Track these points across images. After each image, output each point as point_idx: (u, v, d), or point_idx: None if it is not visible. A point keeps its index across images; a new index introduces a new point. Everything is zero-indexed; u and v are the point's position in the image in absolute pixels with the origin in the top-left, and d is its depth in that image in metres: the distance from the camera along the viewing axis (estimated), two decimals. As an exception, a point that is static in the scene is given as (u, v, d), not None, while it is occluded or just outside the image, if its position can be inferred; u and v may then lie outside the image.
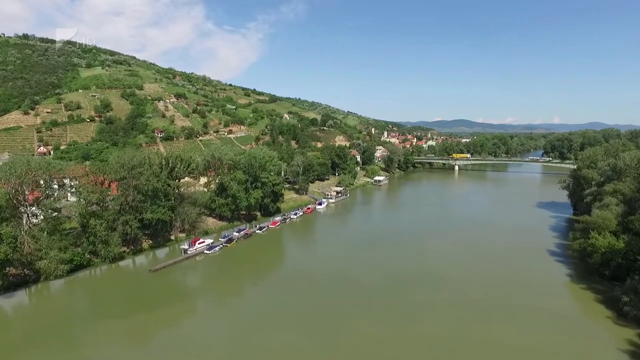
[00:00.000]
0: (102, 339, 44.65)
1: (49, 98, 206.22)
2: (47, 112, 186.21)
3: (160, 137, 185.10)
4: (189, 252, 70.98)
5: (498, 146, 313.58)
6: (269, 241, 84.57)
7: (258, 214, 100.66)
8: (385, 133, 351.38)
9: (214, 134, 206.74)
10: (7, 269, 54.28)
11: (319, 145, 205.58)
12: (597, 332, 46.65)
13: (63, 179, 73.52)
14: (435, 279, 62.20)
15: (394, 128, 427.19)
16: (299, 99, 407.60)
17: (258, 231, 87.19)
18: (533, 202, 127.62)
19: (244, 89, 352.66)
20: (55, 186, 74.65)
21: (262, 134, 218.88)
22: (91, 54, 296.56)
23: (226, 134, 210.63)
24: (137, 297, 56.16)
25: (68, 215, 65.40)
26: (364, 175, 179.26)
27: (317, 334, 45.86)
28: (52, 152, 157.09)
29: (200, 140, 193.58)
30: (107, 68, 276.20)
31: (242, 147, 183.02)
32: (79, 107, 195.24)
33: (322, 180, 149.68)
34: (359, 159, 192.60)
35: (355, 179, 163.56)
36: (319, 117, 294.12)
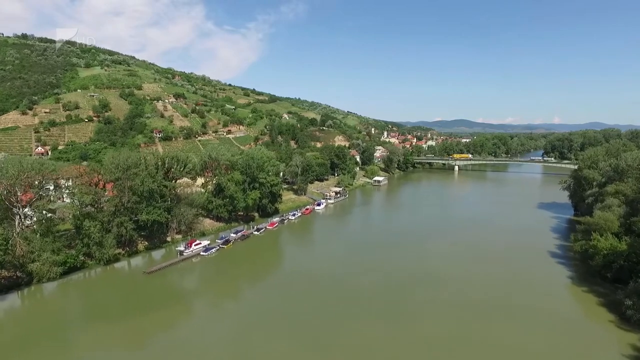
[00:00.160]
0: (96, 342, 43.87)
1: (47, 98, 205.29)
2: (45, 112, 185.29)
3: (159, 137, 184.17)
4: (184, 253, 70.04)
5: (498, 146, 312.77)
6: (267, 243, 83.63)
7: (256, 214, 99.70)
8: (385, 133, 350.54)
9: (213, 134, 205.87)
10: (-1, 271, 53.43)
11: (319, 145, 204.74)
12: (600, 335, 45.75)
13: (58, 180, 72.63)
14: (435, 280, 61.45)
15: (394, 128, 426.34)
16: (299, 99, 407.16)
17: (255, 232, 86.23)
18: (533, 202, 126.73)
19: (243, 89, 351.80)
20: (51, 187, 74.03)
21: (261, 134, 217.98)
22: (90, 54, 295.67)
23: (225, 134, 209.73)
24: (131, 299, 55.20)
25: (62, 217, 64.34)
26: (364, 176, 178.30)
27: (315, 336, 45.23)
28: (49, 153, 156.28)
29: (199, 141, 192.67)
30: (106, 68, 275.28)
31: (241, 147, 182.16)
32: (77, 107, 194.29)
33: (321, 180, 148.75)
34: (358, 159, 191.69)
35: (354, 179, 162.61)
36: (318, 117, 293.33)
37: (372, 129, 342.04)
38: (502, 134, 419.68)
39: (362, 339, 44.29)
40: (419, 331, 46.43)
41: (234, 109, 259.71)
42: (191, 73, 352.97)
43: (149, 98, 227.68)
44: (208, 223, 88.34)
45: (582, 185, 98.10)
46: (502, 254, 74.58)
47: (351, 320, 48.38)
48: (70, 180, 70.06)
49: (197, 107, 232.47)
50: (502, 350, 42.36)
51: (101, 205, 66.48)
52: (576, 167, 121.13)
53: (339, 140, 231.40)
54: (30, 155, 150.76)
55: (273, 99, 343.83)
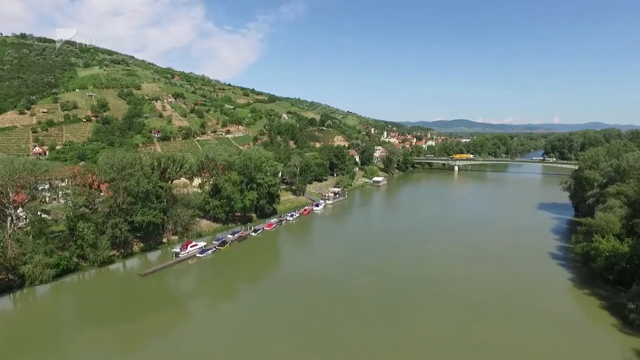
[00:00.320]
0: (90, 345, 43.22)
1: (45, 98, 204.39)
2: (43, 112, 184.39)
3: (157, 137, 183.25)
4: (180, 255, 69.07)
5: (498, 146, 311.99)
6: (264, 244, 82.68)
7: (254, 215, 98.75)
8: (385, 133, 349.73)
9: (212, 134, 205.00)
10: (-10, 273, 52.48)
11: (318, 145, 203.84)
12: (602, 339, 44.84)
13: (52, 181, 71.73)
14: (434, 281, 60.78)
15: (394, 128, 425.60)
16: (298, 99, 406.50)
17: (253, 233, 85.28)
18: (534, 203, 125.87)
19: (242, 88, 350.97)
20: (47, 187, 73.14)
21: (260, 134, 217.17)
22: (89, 54, 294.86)
23: (224, 134, 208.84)
24: (126, 302, 54.23)
25: (55, 218, 63.38)
26: (363, 176, 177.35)
27: (314, 337, 44.66)
28: (47, 153, 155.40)
29: (198, 141, 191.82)
30: (104, 68, 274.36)
31: (240, 147, 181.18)
32: (75, 107, 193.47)
33: (320, 181, 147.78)
34: (357, 160, 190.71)
35: (353, 179, 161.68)
36: (317, 117, 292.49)
37: (372, 129, 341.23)
38: (502, 134, 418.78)
39: (361, 340, 43.81)
40: (419, 332, 46.06)
41: (233, 109, 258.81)
42: (190, 73, 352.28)
43: (147, 98, 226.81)
44: (205, 224, 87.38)
45: (583, 185, 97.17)
46: (503, 255, 73.76)
47: (350, 322, 47.84)
48: (64, 181, 69.03)
49: (196, 107, 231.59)
50: (502, 351, 41.93)
51: (95, 206, 65.50)
52: (576, 167, 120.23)
53: (339, 141, 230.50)
54: (28, 155, 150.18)
55: (272, 98, 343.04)
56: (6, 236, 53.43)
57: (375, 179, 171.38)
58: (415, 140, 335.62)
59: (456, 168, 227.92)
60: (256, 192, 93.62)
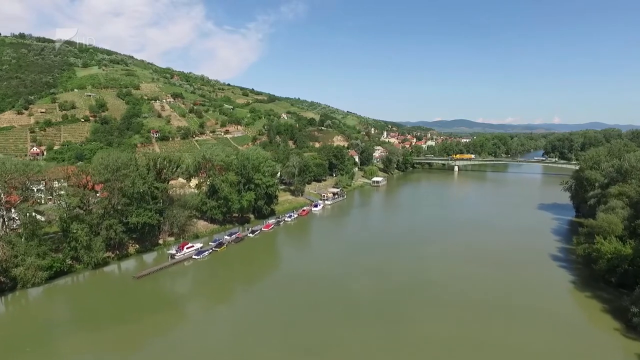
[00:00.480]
0: (83, 349, 42.53)
1: (43, 98, 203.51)
2: (41, 112, 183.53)
3: (156, 138, 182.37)
4: (176, 257, 68.12)
5: (498, 146, 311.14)
6: (261, 245, 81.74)
7: (251, 216, 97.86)
8: (385, 133, 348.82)
9: (211, 134, 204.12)
10: (-19, 276, 51.55)
11: (317, 145, 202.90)
12: (604, 344, 43.90)
13: (49, 181, 70.78)
14: (434, 283, 59.99)
15: (394, 128, 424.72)
16: (298, 99, 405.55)
17: (250, 235, 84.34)
18: (534, 203, 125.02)
19: (242, 88, 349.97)
20: (42, 187, 72.22)
21: (259, 134, 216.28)
22: (88, 54, 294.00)
23: (223, 134, 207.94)
24: (120, 305, 53.19)
25: (49, 219, 62.43)
26: (362, 176, 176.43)
27: (312, 340, 44.02)
28: (45, 153, 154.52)
29: (197, 141, 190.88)
30: (103, 68, 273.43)
31: (239, 147, 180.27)
32: (73, 107, 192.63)
33: (319, 181, 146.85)
34: (357, 160, 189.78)
35: (352, 180, 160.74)
36: (317, 117, 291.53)
37: (372, 129, 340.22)
38: (502, 134, 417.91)
39: (360, 342, 43.30)
40: (419, 333, 45.55)
41: (232, 108, 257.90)
42: (190, 73, 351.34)
43: (146, 98, 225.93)
44: (202, 225, 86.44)
45: (584, 186, 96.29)
46: (503, 256, 72.89)
47: (349, 323, 47.25)
48: (57, 182, 68.03)
49: (195, 107, 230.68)
50: (502, 353, 41.50)
51: (90, 207, 64.54)
52: (577, 167, 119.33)
53: (338, 141, 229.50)
54: (26, 155, 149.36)
55: (272, 98, 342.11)
56: (-2, 238, 52.49)
57: (375, 179, 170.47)
58: (415, 140, 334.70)
59: (456, 168, 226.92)
60: (254, 192, 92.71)
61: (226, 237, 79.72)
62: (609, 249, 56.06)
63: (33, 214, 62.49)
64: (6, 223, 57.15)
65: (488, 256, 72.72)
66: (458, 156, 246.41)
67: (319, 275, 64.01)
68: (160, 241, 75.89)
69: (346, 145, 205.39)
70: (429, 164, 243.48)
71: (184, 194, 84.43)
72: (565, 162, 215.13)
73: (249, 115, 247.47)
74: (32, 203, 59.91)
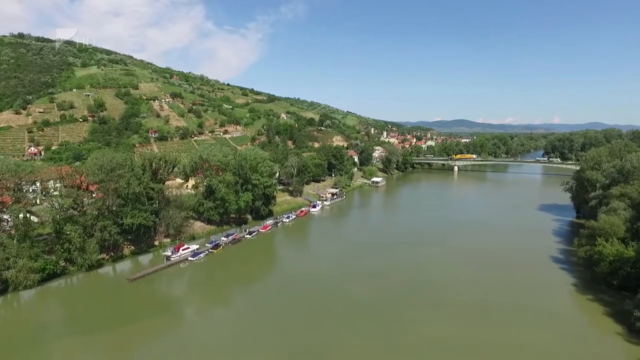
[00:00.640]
0: (75, 353, 41.88)
1: (41, 97, 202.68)
2: (39, 112, 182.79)
3: (154, 138, 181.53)
4: (172, 258, 67.18)
5: (498, 146, 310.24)
6: (258, 247, 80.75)
7: (249, 217, 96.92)
8: (385, 133, 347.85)
9: (209, 134, 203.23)
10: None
11: (316, 145, 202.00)
12: (607, 348, 42.98)
13: (44, 182, 69.94)
14: (433, 286, 59.15)
15: (394, 128, 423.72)
16: (298, 99, 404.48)
17: (247, 236, 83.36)
18: (534, 204, 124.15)
19: (241, 88, 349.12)
20: (37, 188, 71.34)
21: (258, 134, 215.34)
22: (87, 53, 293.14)
23: (222, 134, 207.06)
24: (113, 308, 52.22)
25: (43, 220, 61.52)
26: (361, 177, 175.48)
27: (310, 343, 43.36)
28: (43, 153, 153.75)
29: (195, 141, 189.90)
30: (102, 67, 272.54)
31: (238, 147, 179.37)
32: (72, 107, 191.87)
33: (318, 181, 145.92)
34: (356, 160, 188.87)
35: (352, 180, 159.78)
36: (317, 117, 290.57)
37: (372, 129, 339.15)
38: (502, 134, 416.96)
39: (359, 345, 42.67)
40: (418, 335, 45.23)
41: (232, 108, 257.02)
42: (189, 73, 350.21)
43: (145, 98, 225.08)
44: (198, 226, 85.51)
45: (585, 187, 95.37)
46: (503, 257, 72.01)
47: (348, 326, 46.66)
48: (53, 182, 67.09)
49: (194, 107, 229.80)
50: (502, 355, 41.09)
51: (84, 208, 63.59)
52: (578, 167, 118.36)
53: (337, 141, 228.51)
54: (23, 155, 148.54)
55: (271, 98, 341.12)
56: (-12, 240, 51.57)
57: (374, 179, 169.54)
58: (414, 140, 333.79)
59: (456, 168, 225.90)
60: (251, 193, 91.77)
61: (223, 238, 78.80)
62: (611, 251, 55.12)
63: (27, 215, 61.82)
64: (-2, 224, 56.22)
65: (488, 257, 71.90)
66: (459, 156, 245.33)
67: (317, 276, 63.33)
68: (156, 242, 74.98)
69: (345, 146, 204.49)
70: (428, 164, 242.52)
71: (180, 194, 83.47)
72: (566, 162, 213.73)
73: (248, 115, 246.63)
74: (24, 204, 58.95)
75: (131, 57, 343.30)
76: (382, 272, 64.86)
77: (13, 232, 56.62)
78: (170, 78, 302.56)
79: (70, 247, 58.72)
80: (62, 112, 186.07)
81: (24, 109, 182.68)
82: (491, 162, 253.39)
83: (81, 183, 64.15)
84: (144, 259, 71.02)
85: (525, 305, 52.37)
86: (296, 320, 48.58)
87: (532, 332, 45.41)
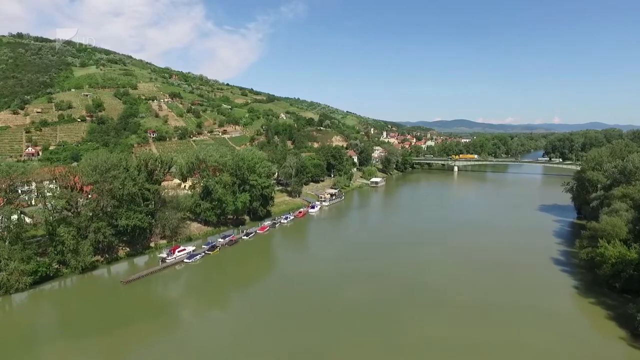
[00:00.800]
0: (68, 358, 41.23)
1: (39, 97, 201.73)
2: (37, 112, 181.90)
3: (153, 138, 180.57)
4: (167, 261, 66.22)
5: (498, 146, 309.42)
6: (256, 248, 79.74)
7: (247, 218, 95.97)
8: (385, 133, 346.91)
9: (208, 134, 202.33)
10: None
11: (316, 145, 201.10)
12: (610, 354, 42.04)
13: (39, 183, 68.94)
14: (432, 288, 58.24)
15: (393, 128, 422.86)
16: (298, 99, 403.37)
17: (245, 237, 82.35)
18: (535, 204, 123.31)
19: (241, 88, 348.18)
20: (32, 188, 70.41)
21: (257, 134, 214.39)
22: (86, 53, 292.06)
23: (220, 134, 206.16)
24: (107, 311, 51.34)
25: (35, 222, 60.56)
26: (361, 177, 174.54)
27: (307, 348, 42.59)
28: (40, 153, 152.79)
29: (194, 141, 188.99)
30: (101, 67, 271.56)
31: (237, 147, 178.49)
32: (70, 107, 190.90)
33: (317, 182, 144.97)
34: (355, 160, 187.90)
35: (351, 180, 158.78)
36: (316, 117, 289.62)
37: (371, 129, 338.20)
38: (502, 134, 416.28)
39: (358, 347, 42.12)
40: (417, 337, 44.77)
41: (231, 108, 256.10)
42: (188, 73, 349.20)
43: (144, 98, 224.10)
44: (195, 227, 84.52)
45: (586, 187, 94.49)
46: (503, 259, 71.11)
47: (346, 328, 45.97)
48: (46, 183, 66.09)
49: (193, 107, 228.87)
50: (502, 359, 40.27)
51: (78, 210, 62.62)
52: (579, 168, 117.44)
53: (337, 141, 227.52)
54: (21, 155, 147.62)
55: (271, 98, 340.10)
56: (-21, 242, 50.64)
57: (373, 179, 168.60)
58: (414, 140, 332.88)
59: (456, 169, 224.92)
60: (249, 194, 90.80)
61: (220, 239, 77.81)
62: (613, 253, 54.11)
63: (21, 216, 60.92)
64: (-11, 226, 55.26)
65: (488, 258, 71.19)
66: (461, 156, 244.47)
67: (315, 277, 62.66)
68: (152, 244, 74.02)
69: (345, 146, 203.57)
70: (428, 164, 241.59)
71: (177, 195, 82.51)
72: (567, 162, 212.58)
73: (247, 115, 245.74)
74: (16, 205, 57.99)
75: (130, 57, 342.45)
76: (381, 272, 64.28)
77: (5, 234, 55.61)
78: (170, 78, 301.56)
79: (64, 249, 57.77)
80: (60, 112, 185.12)
81: (22, 109, 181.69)
82: (492, 162, 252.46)
83: (75, 184, 63.16)
84: (140, 260, 70.07)
85: (526, 307, 51.52)
86: (294, 322, 47.92)
87: (533, 335, 44.61)
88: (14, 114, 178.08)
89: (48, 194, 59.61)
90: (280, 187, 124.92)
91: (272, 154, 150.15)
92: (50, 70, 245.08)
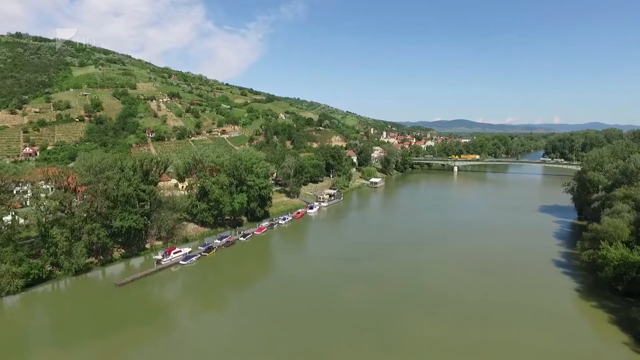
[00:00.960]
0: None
1: (38, 97, 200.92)
2: (35, 112, 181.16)
3: (151, 138, 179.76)
4: (162, 262, 65.23)
5: (498, 146, 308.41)
6: (253, 250, 78.69)
7: (244, 219, 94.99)
8: (384, 133, 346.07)
9: (207, 134, 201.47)
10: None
11: (315, 145, 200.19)
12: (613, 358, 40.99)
13: (33, 184, 67.80)
14: (432, 291, 57.31)
15: (393, 128, 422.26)
16: (298, 99, 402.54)
17: (242, 238, 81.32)
18: (535, 205, 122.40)
19: (240, 88, 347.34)
20: (27, 189, 69.32)
21: (256, 134, 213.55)
22: (85, 53, 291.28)
23: (219, 134, 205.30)
24: (100, 314, 50.29)
25: (26, 223, 59.57)
26: (360, 177, 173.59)
27: (304, 351, 41.91)
28: (38, 153, 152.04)
29: (193, 141, 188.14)
30: (100, 67, 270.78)
31: (235, 147, 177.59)
32: (68, 107, 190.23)
33: (316, 182, 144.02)
34: (355, 160, 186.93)
35: (350, 180, 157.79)
36: (316, 117, 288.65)
37: (371, 129, 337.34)
38: (502, 134, 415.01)
39: (357, 347, 41.56)
40: (417, 339, 44.19)
41: (230, 108, 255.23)
42: (188, 72, 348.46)
43: (142, 97, 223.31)
44: (192, 228, 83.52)
45: (587, 188, 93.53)
46: (504, 261, 70.12)
47: (345, 330, 45.18)
48: (42, 183, 65.06)
49: (192, 107, 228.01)
50: None
51: (72, 211, 61.64)
52: (580, 168, 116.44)
53: (336, 141, 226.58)
54: (18, 155, 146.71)
55: (270, 98, 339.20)
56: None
57: (373, 180, 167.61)
58: (414, 140, 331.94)
59: (455, 169, 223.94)
60: (246, 194, 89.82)
61: (217, 241, 76.79)
62: (616, 256, 53.23)
63: (15, 217, 59.98)
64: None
65: (488, 261, 70.21)
66: (463, 156, 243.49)
67: (313, 279, 61.91)
68: (148, 245, 73.02)
69: (344, 146, 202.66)
70: (428, 164, 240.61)
71: (174, 196, 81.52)
72: (570, 163, 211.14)
73: (246, 115, 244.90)
74: (8, 207, 57.03)
75: (129, 56, 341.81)
76: (381, 273, 63.66)
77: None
78: (169, 78, 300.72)
79: (57, 250, 56.82)
80: (58, 112, 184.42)
81: (20, 108, 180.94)
82: (492, 163, 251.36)
83: (68, 184, 62.20)
84: (135, 262, 69.05)
85: (526, 310, 50.63)
86: (293, 324, 47.24)
87: (533, 338, 43.83)
88: (12, 113, 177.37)
89: (41, 195, 58.52)
90: (278, 188, 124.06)
91: (270, 154, 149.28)
92: (48, 70, 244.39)
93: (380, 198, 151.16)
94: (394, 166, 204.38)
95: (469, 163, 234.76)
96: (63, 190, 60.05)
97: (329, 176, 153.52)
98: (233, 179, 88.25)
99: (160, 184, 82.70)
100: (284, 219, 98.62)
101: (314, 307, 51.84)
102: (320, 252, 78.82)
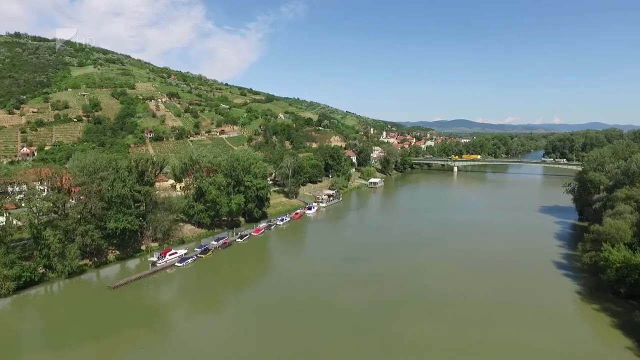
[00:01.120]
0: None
1: (36, 97, 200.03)
2: (33, 112, 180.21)
3: (150, 138, 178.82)
4: (158, 264, 64.32)
5: (498, 146, 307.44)
6: (250, 251, 77.77)
7: (241, 220, 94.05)
8: (384, 133, 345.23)
9: (206, 134, 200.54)
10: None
11: (314, 145, 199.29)
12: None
13: (31, 184, 66.81)
14: (431, 293, 56.45)
15: (393, 128, 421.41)
16: (297, 99, 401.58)
17: (239, 240, 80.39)
18: (535, 205, 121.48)
19: (240, 88, 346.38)
20: (22, 189, 68.32)
21: (255, 134, 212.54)
22: (84, 53, 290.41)
23: (218, 134, 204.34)
24: (93, 317, 49.37)
25: (20, 225, 58.63)
26: (359, 177, 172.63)
27: (305, 348, 41.54)
28: (35, 153, 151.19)
29: (191, 141, 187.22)
30: (99, 67, 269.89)
31: (234, 147, 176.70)
32: (66, 107, 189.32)
33: (315, 182, 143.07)
34: (354, 160, 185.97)
35: (349, 181, 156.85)
36: (315, 117, 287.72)
37: (371, 129, 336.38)
38: (502, 134, 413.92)
39: (356, 351, 40.96)
40: (418, 337, 44.09)
41: (229, 108, 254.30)
42: (187, 72, 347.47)
43: (141, 97, 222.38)
44: (188, 229, 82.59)
45: (588, 188, 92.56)
46: (504, 263, 69.25)
47: (343, 333, 44.54)
48: (37, 184, 64.04)
49: (191, 107, 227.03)
50: None
51: (65, 212, 60.70)
52: (580, 168, 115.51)
53: (335, 141, 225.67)
54: (16, 155, 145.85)
55: (270, 98, 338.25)
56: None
57: (372, 180, 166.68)
58: (414, 140, 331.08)
59: (455, 169, 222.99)
60: (244, 195, 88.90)
61: (213, 242, 75.86)
62: (618, 258, 52.33)
63: (8, 217, 59.02)
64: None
65: (488, 260, 69.66)
66: (464, 157, 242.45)
67: (312, 280, 61.17)
68: (143, 247, 72.08)
69: (343, 146, 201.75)
70: (427, 164, 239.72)
71: (170, 196, 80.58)
72: (568, 162, 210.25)
73: (245, 115, 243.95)
74: (1, 207, 56.06)
75: (128, 56, 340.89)
76: (380, 274, 63.06)
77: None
78: (168, 78, 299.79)
79: (50, 252, 55.88)
80: (56, 112, 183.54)
81: (18, 108, 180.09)
82: (492, 163, 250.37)
83: (62, 185, 61.26)
84: (130, 264, 68.16)
85: (527, 313, 49.76)
86: (291, 325, 46.70)
87: (534, 340, 43.08)
88: (10, 113, 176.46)
89: (34, 196, 57.49)
90: (277, 188, 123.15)
91: (269, 154, 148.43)
92: (47, 70, 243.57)
93: (380, 198, 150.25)
94: (393, 166, 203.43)
95: (469, 163, 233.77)
96: (57, 191, 59.09)
97: (328, 176, 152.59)
98: (230, 180, 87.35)
99: (157, 184, 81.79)
100: (282, 220, 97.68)
101: (314, 308, 51.23)
102: (319, 253, 77.97)
